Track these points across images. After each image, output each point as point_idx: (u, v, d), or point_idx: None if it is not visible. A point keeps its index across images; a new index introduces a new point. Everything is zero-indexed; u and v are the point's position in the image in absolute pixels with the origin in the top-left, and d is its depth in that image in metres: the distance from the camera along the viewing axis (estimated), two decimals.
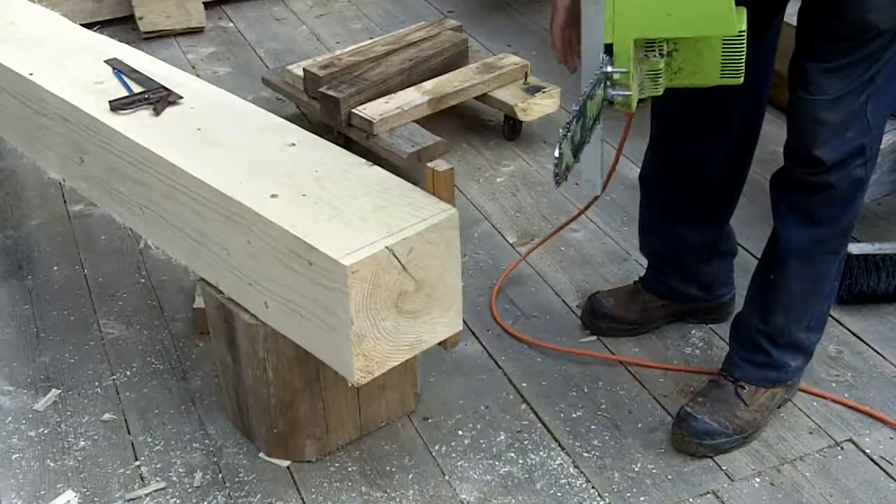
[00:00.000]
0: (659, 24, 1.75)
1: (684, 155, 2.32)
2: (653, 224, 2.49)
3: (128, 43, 2.85)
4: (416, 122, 3.24)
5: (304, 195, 1.99)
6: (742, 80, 1.89)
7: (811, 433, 2.29)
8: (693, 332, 2.59)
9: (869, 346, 2.53)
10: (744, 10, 1.83)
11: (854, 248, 2.56)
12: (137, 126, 2.26)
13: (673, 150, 2.34)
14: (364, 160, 2.12)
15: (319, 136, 2.26)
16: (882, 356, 2.50)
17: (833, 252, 2.18)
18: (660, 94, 1.90)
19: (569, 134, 1.74)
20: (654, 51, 1.83)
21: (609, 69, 1.78)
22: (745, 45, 1.84)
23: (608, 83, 1.80)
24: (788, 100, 2.07)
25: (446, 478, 2.21)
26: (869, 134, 2.04)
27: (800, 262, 2.18)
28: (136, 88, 2.42)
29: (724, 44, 1.83)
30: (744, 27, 1.82)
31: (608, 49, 1.78)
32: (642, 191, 2.48)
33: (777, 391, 2.28)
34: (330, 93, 3.23)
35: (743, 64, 1.86)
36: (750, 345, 2.27)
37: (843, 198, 2.09)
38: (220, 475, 2.24)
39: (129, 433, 2.36)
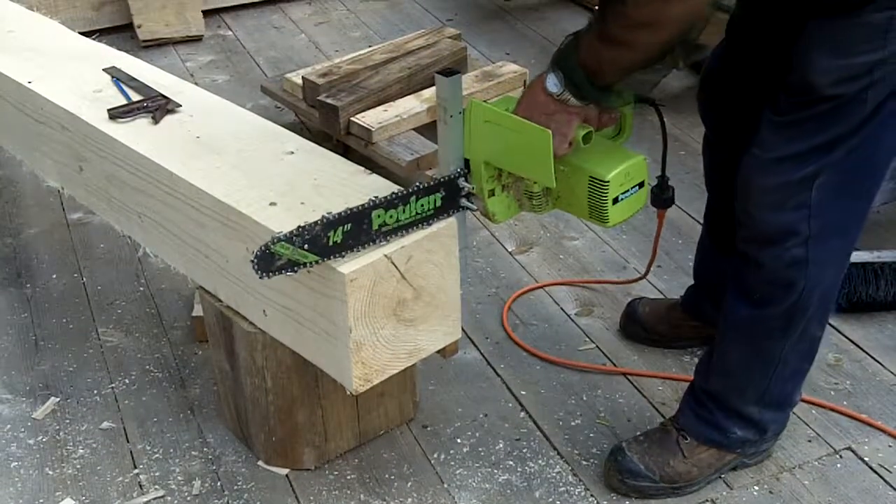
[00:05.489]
0: (499, 157, 1.90)
1: (730, 160, 2.05)
2: (704, 248, 2.43)
3: (126, 51, 2.85)
4: (415, 130, 3.24)
5: (302, 203, 1.99)
6: (609, 225, 1.94)
7: (810, 441, 2.29)
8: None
9: (868, 354, 2.53)
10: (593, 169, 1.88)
11: (853, 257, 2.54)
12: (136, 134, 2.26)
13: (718, 153, 2.23)
14: (363, 168, 2.12)
15: (318, 144, 2.26)
16: (881, 364, 2.50)
17: (781, 331, 1.98)
18: (544, 213, 2.03)
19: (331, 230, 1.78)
20: (513, 175, 1.96)
21: (463, 182, 1.93)
22: (607, 197, 1.88)
23: (464, 194, 1.94)
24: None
25: (445, 486, 2.21)
26: (808, 215, 1.83)
27: (738, 337, 2.04)
28: (135, 97, 2.42)
29: (589, 190, 1.91)
30: (608, 178, 1.87)
31: (466, 164, 1.93)
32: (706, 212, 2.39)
33: (726, 454, 2.15)
34: (329, 101, 3.23)
35: (607, 213, 1.90)
36: (696, 397, 2.16)
37: (779, 280, 1.91)
38: (218, 483, 2.23)
39: (127, 441, 2.36)
